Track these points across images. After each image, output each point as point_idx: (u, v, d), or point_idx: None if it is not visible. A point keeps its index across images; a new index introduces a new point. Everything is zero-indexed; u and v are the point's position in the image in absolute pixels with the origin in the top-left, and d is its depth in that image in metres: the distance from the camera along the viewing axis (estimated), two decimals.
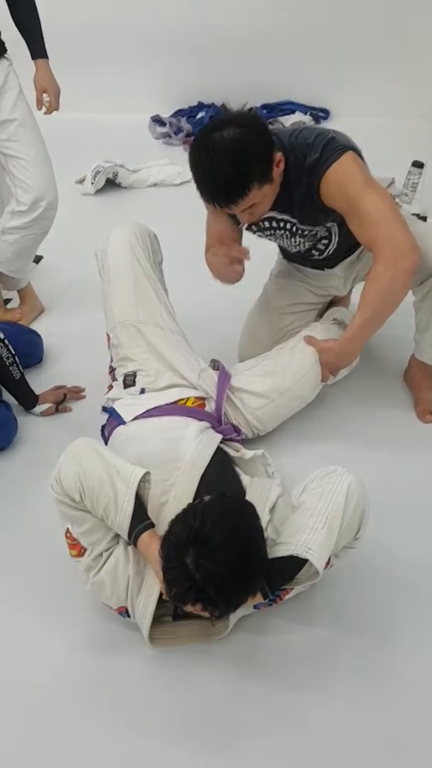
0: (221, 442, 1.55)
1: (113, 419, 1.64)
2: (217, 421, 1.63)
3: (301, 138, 1.58)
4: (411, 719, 1.29)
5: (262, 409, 1.74)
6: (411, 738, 1.26)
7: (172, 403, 1.61)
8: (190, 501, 1.35)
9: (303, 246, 1.81)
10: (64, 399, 1.98)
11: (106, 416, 1.69)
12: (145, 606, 1.32)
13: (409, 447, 1.83)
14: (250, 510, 1.23)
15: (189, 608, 1.16)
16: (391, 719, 1.29)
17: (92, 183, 3.16)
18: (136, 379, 1.68)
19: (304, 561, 1.26)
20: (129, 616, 1.37)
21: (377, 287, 1.57)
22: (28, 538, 1.63)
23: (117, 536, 1.35)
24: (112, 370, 1.77)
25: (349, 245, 1.79)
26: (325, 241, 1.78)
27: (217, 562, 1.11)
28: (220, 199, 1.51)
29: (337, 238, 1.76)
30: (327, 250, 1.81)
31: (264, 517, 1.35)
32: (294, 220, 1.71)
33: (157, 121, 3.70)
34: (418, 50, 3.19)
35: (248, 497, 1.43)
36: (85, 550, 1.34)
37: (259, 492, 1.45)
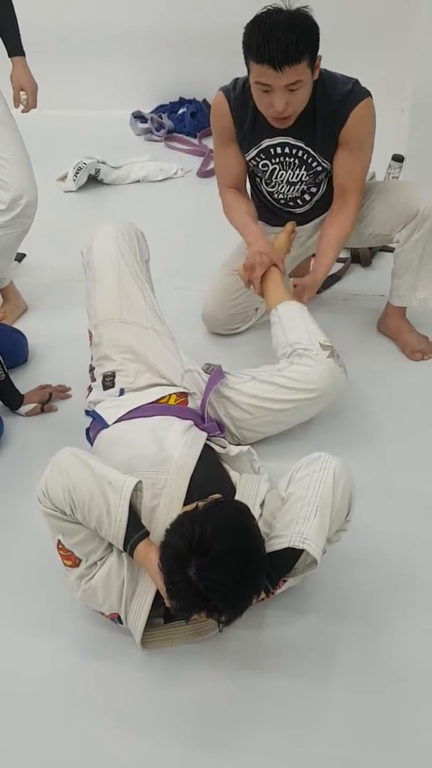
0: (206, 440, 1.55)
1: (96, 423, 1.62)
2: (200, 419, 1.63)
3: (326, 72, 1.74)
4: (409, 709, 1.29)
5: (244, 422, 1.73)
6: (409, 728, 1.27)
7: (153, 402, 1.60)
8: (182, 503, 1.35)
9: (301, 183, 1.92)
10: (49, 398, 1.97)
11: (90, 419, 1.68)
12: (139, 612, 1.31)
13: (394, 431, 1.84)
14: (245, 512, 1.23)
15: (195, 616, 1.16)
16: (388, 710, 1.29)
17: (74, 180, 3.14)
18: (115, 380, 1.66)
19: (301, 552, 1.27)
20: (121, 622, 1.35)
21: (345, 227, 1.90)
22: (11, 542, 1.62)
23: (111, 544, 1.33)
24: (91, 368, 1.75)
25: (325, 205, 1.98)
26: (313, 190, 1.95)
27: (220, 572, 1.10)
28: (278, 55, 1.57)
29: (323, 190, 1.95)
30: (312, 199, 1.97)
31: (255, 512, 1.35)
32: (308, 148, 1.83)
33: (139, 117, 3.68)
34: (396, 42, 3.20)
35: (238, 494, 1.43)
36: (80, 560, 1.32)
37: (248, 488, 1.45)
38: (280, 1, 1.64)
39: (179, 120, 3.62)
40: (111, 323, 1.70)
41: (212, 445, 1.58)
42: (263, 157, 1.89)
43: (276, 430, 1.79)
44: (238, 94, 1.80)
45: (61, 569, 1.36)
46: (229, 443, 1.65)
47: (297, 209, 2.01)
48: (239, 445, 1.68)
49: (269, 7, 1.63)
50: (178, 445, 1.46)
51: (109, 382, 1.67)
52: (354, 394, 1.90)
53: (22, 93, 2.15)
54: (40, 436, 1.88)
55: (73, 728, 1.30)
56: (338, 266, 2.47)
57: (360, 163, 1.85)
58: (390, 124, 3.33)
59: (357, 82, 1.76)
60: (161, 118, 3.63)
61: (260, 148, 1.87)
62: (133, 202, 3.05)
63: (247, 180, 2.03)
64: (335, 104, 1.74)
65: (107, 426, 1.58)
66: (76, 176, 3.13)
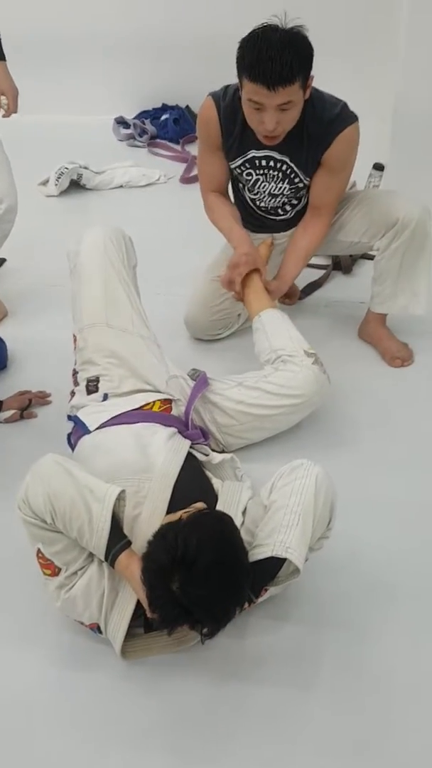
0: (190, 447, 1.54)
1: (78, 428, 1.60)
2: (184, 426, 1.62)
3: (316, 92, 1.75)
4: (395, 715, 1.29)
5: (229, 428, 1.73)
6: (395, 734, 1.27)
7: (137, 409, 1.59)
8: (164, 512, 1.33)
9: (282, 196, 1.94)
10: (29, 405, 1.95)
11: (71, 424, 1.67)
12: (119, 622, 1.29)
13: (375, 438, 1.85)
14: (229, 524, 1.22)
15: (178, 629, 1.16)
16: (374, 717, 1.29)
17: (56, 184, 3.12)
18: (99, 385, 1.64)
19: (283, 560, 1.26)
20: (101, 632, 1.34)
21: (315, 240, 1.95)
22: None
23: (92, 553, 1.31)
24: (75, 373, 1.73)
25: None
26: (294, 202, 1.97)
27: (204, 586, 1.10)
28: (271, 76, 1.59)
29: (304, 203, 1.97)
30: (293, 210, 1.99)
31: (237, 520, 1.35)
32: (292, 164, 1.85)
33: (121, 122, 3.68)
34: (377, 52, 3.22)
35: (220, 501, 1.42)
36: (60, 569, 1.30)
37: (231, 496, 1.44)
38: (276, 19, 1.64)
39: (162, 126, 3.62)
40: (96, 327, 1.69)
41: (195, 452, 1.57)
42: (248, 167, 1.90)
43: (260, 436, 1.79)
44: (228, 103, 1.80)
45: (41, 578, 1.34)
46: (213, 450, 1.65)
47: (278, 217, 2.03)
48: (223, 452, 1.67)
49: (265, 24, 1.64)
50: (162, 452, 1.45)
51: (92, 386, 1.65)
52: (335, 401, 1.91)
53: (2, 98, 2.13)
54: (19, 443, 1.85)
55: (52, 740, 1.28)
56: (320, 273, 2.48)
57: (339, 184, 1.90)
58: (371, 133, 3.36)
59: (345, 105, 1.79)
60: (144, 124, 3.62)
61: (246, 158, 1.88)
62: (115, 208, 3.04)
63: (230, 184, 2.04)
64: (324, 126, 1.77)
65: (89, 432, 1.57)
66: (58, 181, 3.11)
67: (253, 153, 1.86)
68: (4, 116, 2.18)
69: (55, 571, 1.31)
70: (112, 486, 1.29)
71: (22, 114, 2.21)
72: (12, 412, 1.92)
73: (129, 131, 3.63)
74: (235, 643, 1.40)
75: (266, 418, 1.74)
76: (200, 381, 1.72)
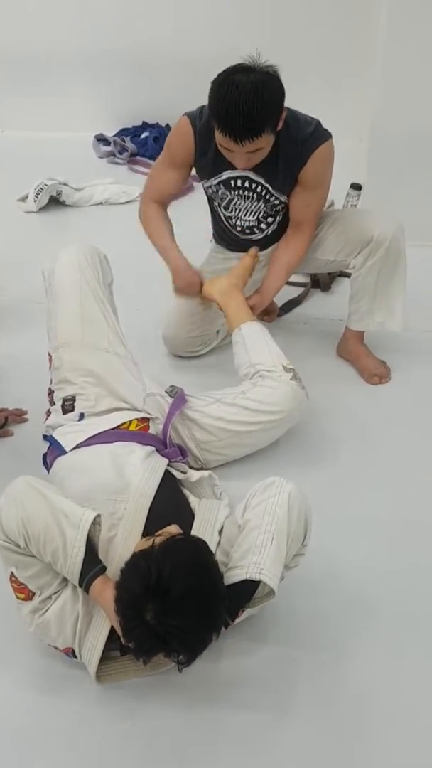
0: (168, 465, 1.53)
1: (54, 448, 1.58)
2: (162, 444, 1.61)
3: (290, 112, 1.74)
4: (372, 735, 1.28)
5: (208, 444, 1.73)
6: (374, 755, 1.26)
7: (113, 429, 1.57)
8: (140, 535, 1.32)
9: (258, 214, 1.95)
10: (5, 423, 1.92)
11: (47, 444, 1.64)
12: (93, 646, 1.27)
13: (352, 455, 1.85)
14: (203, 550, 1.21)
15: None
16: (350, 737, 1.28)
17: (35, 200, 3.11)
18: (75, 404, 1.62)
19: (258, 582, 1.25)
20: (75, 656, 1.31)
21: (297, 255, 1.96)
22: None
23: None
24: (51, 392, 1.71)
25: (280, 233, 2.01)
26: (270, 219, 1.97)
27: (179, 615, 1.08)
28: (239, 132, 1.61)
29: (279, 219, 1.98)
30: (268, 229, 2.00)
31: (213, 540, 1.33)
32: (267, 185, 1.86)
33: (101, 140, 3.69)
34: (354, 70, 3.28)
35: (197, 520, 1.41)
36: (34, 593, 1.27)
37: (207, 514, 1.43)
38: (249, 58, 1.63)
39: (142, 144, 3.63)
40: (72, 346, 1.67)
41: (173, 471, 1.56)
42: (222, 187, 1.91)
43: (240, 453, 1.79)
44: (204, 124, 1.81)
45: (14, 602, 1.31)
46: (192, 467, 1.64)
47: (254, 236, 2.03)
48: (201, 469, 1.66)
49: (237, 66, 1.62)
50: (138, 472, 1.44)
51: (68, 406, 1.63)
52: (314, 418, 1.91)
53: None
54: None
55: (25, 765, 1.25)
56: (298, 291, 2.49)
57: (317, 199, 1.91)
58: (349, 152, 3.39)
59: (319, 123, 1.81)
60: (124, 142, 3.64)
61: (221, 179, 1.89)
62: (95, 224, 3.03)
63: (207, 202, 2.04)
64: (298, 146, 1.78)
65: (65, 453, 1.55)
66: (37, 197, 3.10)
67: (228, 174, 1.87)
68: None
69: (29, 596, 1.28)
70: (87, 510, 1.27)
71: (2, 129, 2.22)
72: None
73: (109, 148, 3.63)
74: (211, 666, 1.38)
75: (245, 434, 1.74)
76: (178, 398, 1.71)
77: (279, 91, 1.65)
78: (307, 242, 1.96)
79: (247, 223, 1.99)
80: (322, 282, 2.55)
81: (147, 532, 1.32)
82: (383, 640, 1.43)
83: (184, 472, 1.59)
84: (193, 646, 1.13)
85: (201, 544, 1.22)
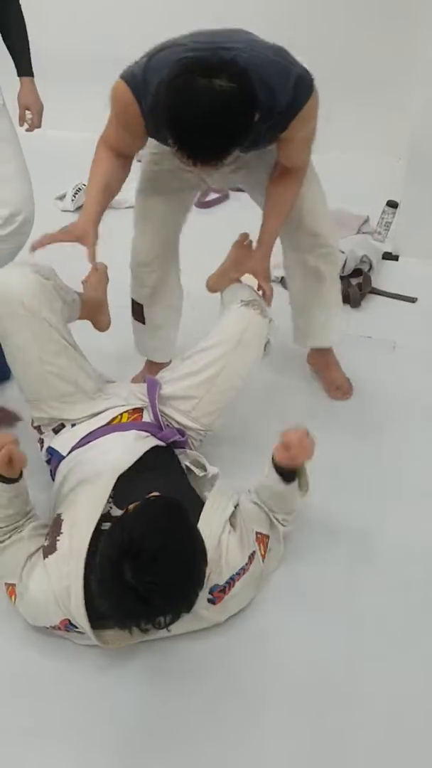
0: (186, 461, 1.60)
1: (54, 459, 1.62)
2: (157, 428, 1.63)
3: (267, 76, 1.40)
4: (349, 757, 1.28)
5: (195, 409, 1.71)
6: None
7: (105, 425, 1.60)
8: (101, 503, 1.37)
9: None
10: None
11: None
12: (78, 606, 1.29)
13: (325, 467, 1.87)
14: (175, 507, 1.23)
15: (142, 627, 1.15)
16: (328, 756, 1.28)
17: (72, 200, 3.16)
18: (64, 423, 1.65)
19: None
20: (75, 626, 1.33)
21: (293, 192, 1.71)
22: None
23: (20, 519, 1.41)
24: (36, 426, 1.71)
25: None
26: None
27: (155, 572, 1.10)
28: (199, 155, 1.33)
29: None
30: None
31: (225, 514, 1.41)
32: (247, 158, 1.65)
33: None
34: (396, 88, 3.27)
35: (204, 512, 1.43)
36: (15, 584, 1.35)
37: (217, 501, 1.48)
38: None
39: None
40: (41, 403, 1.64)
41: (191, 467, 1.62)
42: None
43: (227, 398, 1.73)
44: (153, 106, 1.47)
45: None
46: (196, 440, 1.69)
47: None
48: (204, 437, 1.72)
49: (201, 61, 1.31)
50: (119, 451, 1.50)
51: (58, 427, 1.66)
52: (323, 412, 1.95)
53: (27, 112, 2.18)
54: None
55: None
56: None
57: (305, 144, 1.64)
58: (387, 170, 3.41)
59: (297, 82, 1.45)
60: None
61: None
62: (129, 226, 3.06)
63: None
64: (276, 116, 1.48)
65: (63, 457, 1.59)
66: (75, 197, 3.16)
67: None
68: (27, 130, 2.22)
69: (13, 589, 1.37)
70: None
71: (45, 129, 2.25)
72: None
73: None
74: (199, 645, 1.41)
75: (216, 377, 1.68)
76: (150, 381, 1.72)
77: (251, 100, 1.30)
78: (300, 182, 1.72)
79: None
80: (352, 299, 2.54)
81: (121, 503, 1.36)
82: (368, 650, 1.43)
83: (204, 470, 1.62)
84: (175, 601, 1.14)
85: (173, 502, 1.25)
